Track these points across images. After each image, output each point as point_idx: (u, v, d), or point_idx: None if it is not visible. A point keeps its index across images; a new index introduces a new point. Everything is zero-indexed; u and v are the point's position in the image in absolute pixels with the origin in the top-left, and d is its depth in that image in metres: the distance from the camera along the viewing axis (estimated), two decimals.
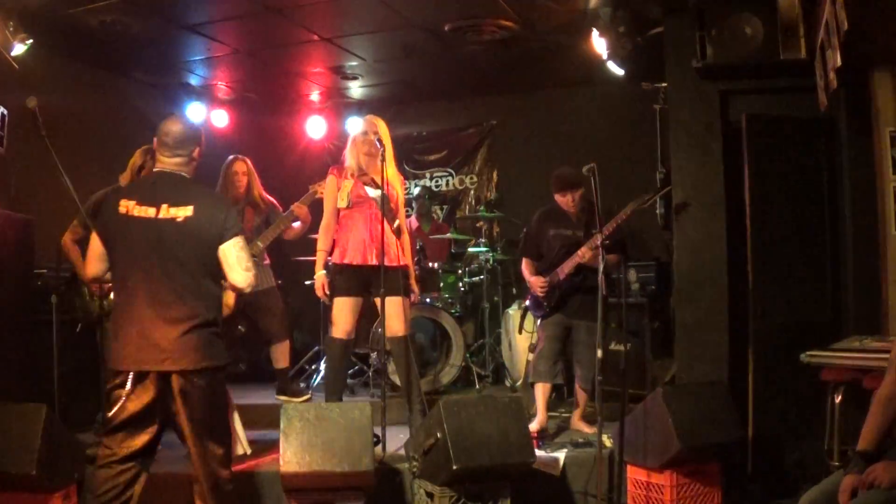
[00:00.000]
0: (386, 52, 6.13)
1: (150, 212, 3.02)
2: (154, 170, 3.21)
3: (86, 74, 6.01)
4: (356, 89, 7.20)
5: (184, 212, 3.02)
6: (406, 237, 4.75)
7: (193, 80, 6.71)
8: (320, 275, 4.59)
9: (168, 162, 3.15)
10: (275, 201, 5.42)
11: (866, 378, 3.21)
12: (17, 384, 4.36)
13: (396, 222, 4.65)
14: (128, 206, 3.03)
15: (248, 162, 5.32)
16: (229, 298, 5.10)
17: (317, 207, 5.01)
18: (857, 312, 4.40)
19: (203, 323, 3.02)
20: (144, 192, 3.10)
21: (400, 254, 4.61)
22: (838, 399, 3.46)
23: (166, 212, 3.02)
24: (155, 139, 3.16)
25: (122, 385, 2.97)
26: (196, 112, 6.98)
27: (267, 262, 5.36)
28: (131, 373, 2.96)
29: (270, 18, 5.25)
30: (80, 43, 5.49)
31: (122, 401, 2.96)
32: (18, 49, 4.64)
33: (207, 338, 3.03)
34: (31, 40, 4.68)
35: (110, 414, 2.99)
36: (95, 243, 3.13)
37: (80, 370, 4.81)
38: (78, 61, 5.87)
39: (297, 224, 5.20)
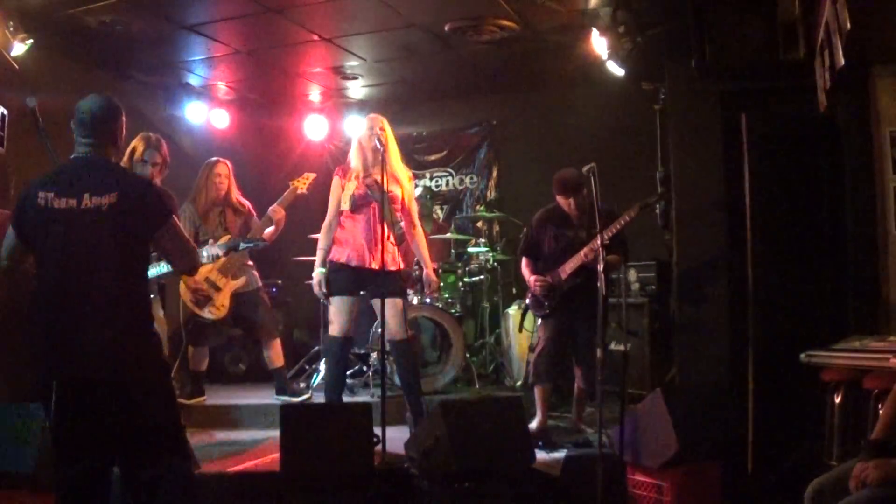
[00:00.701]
0: (386, 52, 6.13)
1: (71, 203, 2.73)
2: (71, 156, 2.93)
3: (86, 74, 6.01)
4: (356, 89, 7.20)
5: (108, 199, 2.73)
6: (419, 232, 4.74)
7: (193, 80, 6.71)
8: (318, 272, 4.60)
9: (86, 143, 2.88)
10: (250, 205, 5.42)
11: (866, 378, 3.21)
12: (18, 384, 4.36)
13: (401, 223, 4.63)
14: (46, 197, 2.76)
15: (229, 165, 5.35)
16: (224, 299, 5.14)
17: (316, 207, 5.02)
18: (857, 312, 4.40)
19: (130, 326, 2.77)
20: (63, 181, 2.81)
21: (400, 256, 4.61)
22: (838, 399, 3.45)
23: (88, 201, 2.73)
24: (71, 121, 2.96)
25: None
26: (196, 112, 6.98)
27: (251, 263, 5.37)
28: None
29: (270, 18, 5.25)
30: (80, 43, 5.49)
31: None
32: (18, 49, 4.64)
33: (135, 343, 2.77)
34: (31, 40, 4.68)
35: None
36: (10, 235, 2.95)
37: None
38: (78, 61, 5.87)
39: (269, 230, 5.07)
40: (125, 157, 4.36)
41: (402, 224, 4.62)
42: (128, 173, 2.97)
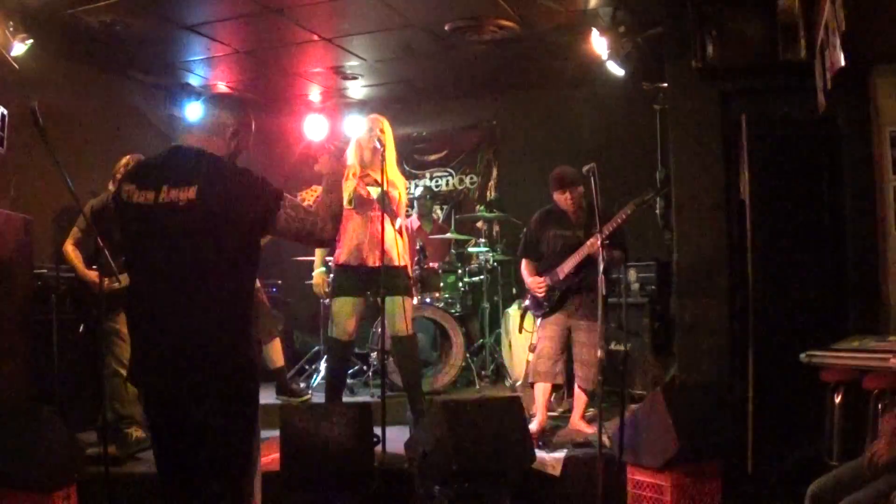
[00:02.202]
0: (386, 52, 6.13)
1: (149, 196, 2.42)
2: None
3: (86, 74, 6.01)
4: (356, 89, 7.20)
5: (186, 194, 2.38)
6: (405, 239, 4.76)
7: (193, 80, 6.71)
8: (318, 272, 4.61)
9: (186, 134, 2.60)
10: None
11: (866, 378, 3.21)
12: (18, 384, 4.36)
13: (399, 222, 4.65)
14: (129, 192, 2.46)
15: None
16: None
17: None
18: (857, 312, 4.39)
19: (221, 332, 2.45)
20: (146, 171, 2.53)
21: (403, 254, 4.62)
22: (838, 399, 3.46)
23: (166, 194, 2.39)
24: None
25: None
26: (196, 112, 6.98)
27: None
28: None
29: (270, 18, 5.25)
30: (80, 43, 5.49)
31: None
32: (18, 49, 4.64)
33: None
34: (31, 40, 4.68)
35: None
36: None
37: (80, 370, 4.81)
38: (78, 61, 5.87)
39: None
40: (111, 179, 4.41)
41: (399, 220, 4.64)
42: (219, 162, 2.48)
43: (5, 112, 4.61)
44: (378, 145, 4.33)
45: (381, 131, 4.50)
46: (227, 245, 2.41)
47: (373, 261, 4.48)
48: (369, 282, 4.53)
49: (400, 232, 4.70)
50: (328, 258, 4.85)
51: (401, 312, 4.51)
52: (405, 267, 4.65)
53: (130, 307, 2.53)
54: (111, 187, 4.39)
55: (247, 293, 2.49)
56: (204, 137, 2.53)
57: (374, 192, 4.53)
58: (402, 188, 4.73)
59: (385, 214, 4.40)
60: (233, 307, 2.44)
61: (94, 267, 4.25)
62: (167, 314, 2.39)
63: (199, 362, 2.38)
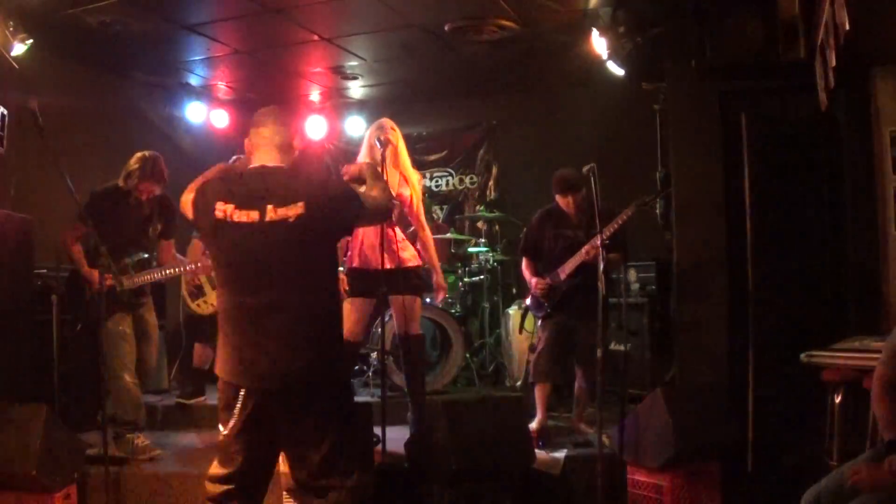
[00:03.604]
0: (386, 52, 6.13)
1: (252, 216, 2.62)
2: (250, 167, 2.81)
3: (86, 74, 6.02)
4: (356, 89, 7.21)
5: (294, 210, 2.60)
6: (428, 235, 4.71)
7: (193, 80, 6.71)
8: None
9: (266, 153, 2.77)
10: None
11: (866, 378, 3.21)
12: (17, 384, 4.36)
13: (411, 227, 4.62)
14: (226, 210, 2.64)
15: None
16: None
17: None
18: (857, 312, 4.40)
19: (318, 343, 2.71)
20: (242, 191, 2.68)
21: (415, 255, 4.59)
22: (838, 399, 3.46)
23: (273, 213, 2.61)
24: (249, 133, 2.84)
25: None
26: (196, 112, 6.98)
27: None
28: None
29: (270, 18, 5.26)
30: (80, 43, 5.49)
31: None
32: (18, 49, 4.64)
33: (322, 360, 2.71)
34: (31, 40, 4.68)
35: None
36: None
37: (80, 370, 4.81)
38: (78, 61, 5.88)
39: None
40: (122, 175, 4.37)
41: (413, 227, 4.61)
42: (312, 179, 2.75)
43: (5, 112, 4.61)
44: (378, 145, 4.32)
45: (387, 133, 4.47)
46: (329, 251, 2.78)
47: (384, 263, 4.46)
48: (378, 284, 4.50)
49: (423, 229, 4.65)
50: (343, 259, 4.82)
51: (408, 311, 4.49)
52: (417, 267, 4.61)
53: (234, 319, 2.67)
54: (122, 184, 4.35)
55: (337, 292, 2.87)
56: (279, 156, 2.78)
57: None
58: (415, 186, 4.67)
59: (396, 222, 4.39)
60: (334, 305, 2.81)
61: (93, 266, 4.22)
62: (279, 322, 2.61)
63: (317, 362, 2.66)
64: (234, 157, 4.11)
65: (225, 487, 2.71)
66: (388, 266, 4.38)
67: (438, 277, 4.72)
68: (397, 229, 4.41)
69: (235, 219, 2.61)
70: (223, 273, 2.71)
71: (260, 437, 2.68)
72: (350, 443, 2.77)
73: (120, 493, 3.95)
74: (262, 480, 2.81)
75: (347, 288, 4.56)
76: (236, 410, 2.62)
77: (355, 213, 2.73)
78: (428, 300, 5.80)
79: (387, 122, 4.56)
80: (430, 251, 4.67)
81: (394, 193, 4.52)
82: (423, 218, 4.71)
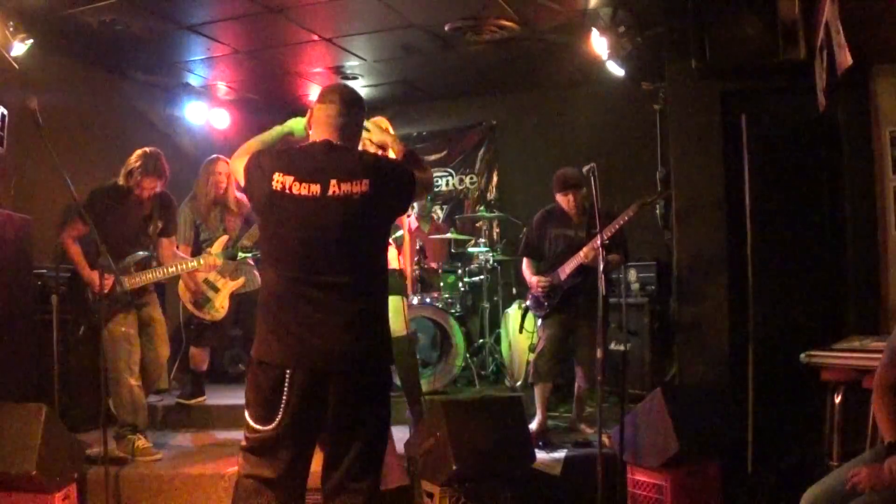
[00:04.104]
0: (386, 52, 6.13)
1: (314, 189, 2.51)
2: (311, 141, 2.70)
3: (86, 74, 6.01)
4: (356, 89, 7.19)
5: (359, 187, 2.51)
6: (405, 242, 4.74)
7: (193, 80, 6.71)
8: None
9: (331, 128, 2.64)
10: (246, 200, 5.39)
11: (866, 378, 3.21)
12: (17, 384, 4.36)
13: (399, 232, 4.64)
14: (284, 182, 2.52)
15: (228, 163, 5.32)
16: (223, 300, 5.12)
17: None
18: (857, 312, 4.40)
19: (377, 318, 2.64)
20: (303, 164, 2.57)
21: (395, 258, 4.62)
22: (838, 399, 3.46)
23: (336, 188, 2.50)
24: (314, 107, 2.70)
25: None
26: (196, 112, 6.98)
27: (251, 263, 5.33)
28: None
29: (270, 18, 5.25)
30: (80, 43, 5.49)
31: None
32: (18, 49, 4.64)
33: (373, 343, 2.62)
34: (31, 40, 4.67)
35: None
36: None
37: (80, 370, 4.81)
38: (78, 61, 5.87)
39: None
40: (123, 173, 4.35)
41: (400, 232, 4.63)
42: (378, 157, 2.72)
43: (5, 112, 4.61)
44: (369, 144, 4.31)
45: (376, 129, 4.47)
46: (386, 232, 2.76)
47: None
48: None
49: (410, 233, 4.68)
50: None
51: (396, 312, 4.50)
52: (400, 269, 4.65)
53: (280, 292, 2.54)
54: (122, 182, 4.34)
55: (388, 280, 2.77)
56: (349, 136, 2.68)
57: None
58: None
59: None
60: (385, 288, 2.72)
61: (93, 267, 4.21)
62: (336, 301, 2.51)
63: (372, 345, 2.58)
64: None
65: (267, 496, 2.51)
66: None
67: (407, 281, 4.75)
68: None
69: (295, 191, 2.49)
70: (275, 248, 2.57)
71: (308, 428, 2.54)
72: (382, 439, 2.68)
73: (120, 493, 3.95)
74: (304, 484, 2.62)
75: None
76: (284, 395, 2.45)
77: (413, 192, 2.69)
78: (427, 300, 5.81)
79: (376, 123, 4.56)
80: (405, 255, 4.72)
81: None
82: (403, 222, 4.74)
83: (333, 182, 2.49)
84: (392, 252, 4.57)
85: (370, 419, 2.60)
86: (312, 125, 2.71)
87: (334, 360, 2.49)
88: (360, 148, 2.81)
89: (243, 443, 2.59)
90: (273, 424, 2.48)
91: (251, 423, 2.53)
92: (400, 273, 4.64)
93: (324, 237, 2.50)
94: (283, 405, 2.47)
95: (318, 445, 2.70)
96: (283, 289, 2.53)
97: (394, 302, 4.49)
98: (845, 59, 3.27)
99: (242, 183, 2.67)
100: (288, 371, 2.46)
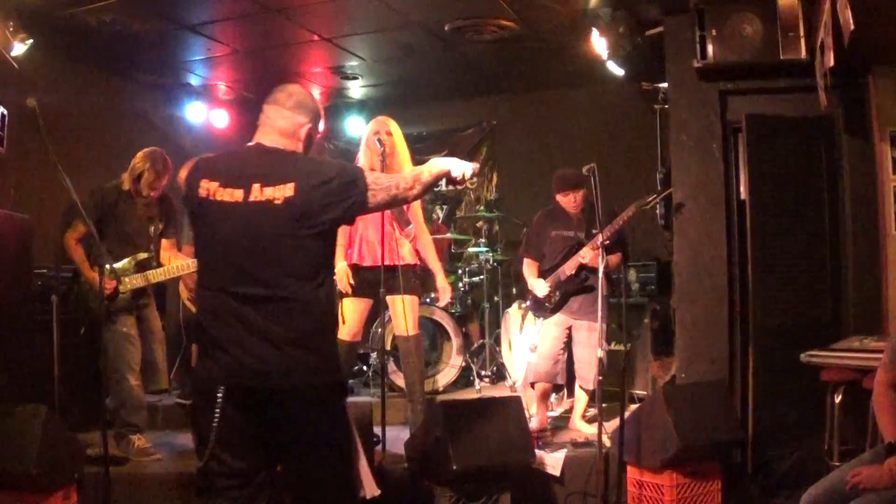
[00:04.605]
0: (386, 52, 6.13)
1: (236, 195, 2.35)
2: (247, 144, 2.55)
3: (86, 74, 6.01)
4: (356, 89, 7.20)
5: (282, 192, 2.32)
6: (426, 237, 4.71)
7: (193, 80, 6.71)
8: (341, 266, 4.49)
9: (267, 131, 2.49)
10: None
11: (866, 378, 3.21)
12: (17, 384, 4.36)
13: (410, 225, 4.61)
14: (209, 188, 2.38)
15: None
16: None
17: None
18: (857, 312, 4.40)
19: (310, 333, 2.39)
20: (229, 169, 2.41)
21: (412, 253, 4.59)
22: (838, 399, 3.46)
23: (259, 193, 2.33)
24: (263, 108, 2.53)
25: None
26: (196, 112, 6.98)
27: None
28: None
29: (270, 18, 5.25)
30: (80, 43, 5.49)
31: None
32: (18, 49, 4.64)
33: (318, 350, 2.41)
34: (31, 40, 4.67)
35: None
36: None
37: (80, 370, 4.81)
38: (78, 61, 5.87)
39: None
40: (127, 176, 4.35)
41: (412, 225, 4.60)
42: (308, 160, 2.47)
43: (5, 112, 4.61)
44: (378, 146, 4.32)
45: (388, 133, 4.47)
46: (324, 241, 2.42)
47: (382, 260, 4.46)
48: (378, 281, 4.50)
49: (420, 230, 4.65)
50: None
51: (407, 312, 4.50)
52: (414, 266, 4.62)
53: (209, 307, 2.39)
54: (128, 185, 4.34)
55: (334, 290, 2.49)
56: (283, 138, 2.49)
57: None
58: None
59: (393, 212, 4.39)
60: (327, 303, 2.44)
61: (94, 267, 4.22)
62: (265, 315, 2.31)
63: (303, 366, 2.34)
64: None
65: None
66: (386, 263, 4.39)
67: (441, 279, 4.71)
68: (395, 225, 4.41)
69: (218, 197, 2.34)
70: (204, 259, 2.42)
71: (251, 457, 2.36)
72: (344, 463, 2.47)
73: (120, 493, 3.94)
74: None
75: (352, 283, 4.54)
76: (216, 415, 2.26)
77: (355, 200, 2.40)
78: (427, 300, 5.80)
79: (384, 120, 4.55)
80: (430, 252, 4.67)
81: None
82: (421, 219, 4.71)
83: (256, 186, 2.32)
84: (407, 248, 4.55)
85: (322, 445, 2.39)
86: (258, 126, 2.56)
87: (263, 377, 2.29)
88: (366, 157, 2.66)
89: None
90: (206, 453, 2.32)
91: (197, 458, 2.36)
92: (413, 271, 4.61)
93: (249, 247, 2.33)
94: (214, 430, 2.29)
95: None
96: (214, 303, 2.37)
97: (406, 302, 4.48)
98: (829, 59, 3.28)
99: (183, 192, 2.53)
100: (220, 391, 2.28)
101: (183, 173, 2.56)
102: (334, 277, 2.49)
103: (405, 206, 4.50)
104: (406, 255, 4.49)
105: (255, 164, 2.39)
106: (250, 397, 2.32)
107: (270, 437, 2.36)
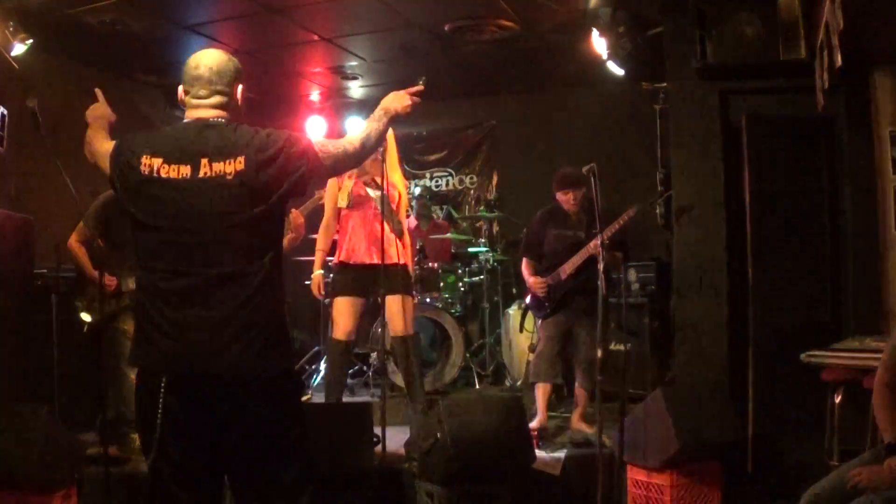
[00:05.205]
0: (386, 52, 6.13)
1: (184, 171, 2.21)
2: (184, 120, 2.38)
3: (86, 74, 6.01)
4: (356, 89, 7.21)
5: (232, 166, 2.21)
6: (406, 238, 4.76)
7: None
8: (317, 274, 4.61)
9: (203, 104, 2.34)
10: None
11: (866, 378, 3.21)
12: (17, 384, 4.36)
13: (400, 221, 4.64)
14: (152, 165, 2.22)
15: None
16: None
17: (315, 208, 5.01)
18: (857, 312, 4.40)
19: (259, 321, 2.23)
20: (172, 144, 2.26)
21: (402, 253, 4.62)
22: (838, 399, 3.46)
23: (207, 168, 2.20)
24: (181, 84, 2.39)
25: None
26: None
27: None
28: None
29: (270, 18, 5.26)
30: (80, 43, 5.49)
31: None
32: (18, 49, 4.64)
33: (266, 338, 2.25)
34: (31, 40, 4.68)
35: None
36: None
37: (80, 370, 4.81)
38: (78, 61, 5.87)
39: (288, 236, 4.81)
40: None
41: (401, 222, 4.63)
42: (256, 131, 2.31)
43: (5, 112, 4.61)
44: None
45: None
46: (276, 218, 2.32)
47: (371, 258, 4.49)
48: (369, 281, 4.53)
49: (402, 231, 4.68)
50: (329, 259, 4.84)
51: (400, 311, 4.51)
52: (405, 265, 4.65)
53: (150, 288, 2.23)
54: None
55: (281, 271, 2.33)
56: (219, 110, 2.36)
57: (372, 192, 4.53)
58: (402, 188, 4.73)
59: (384, 211, 4.40)
60: (277, 284, 2.29)
61: (97, 267, 4.23)
62: (213, 299, 2.17)
63: (253, 354, 2.19)
64: None
65: None
66: (376, 262, 4.41)
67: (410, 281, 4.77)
68: (385, 224, 4.42)
69: (163, 174, 2.19)
70: (145, 241, 2.24)
71: (199, 454, 2.19)
72: (301, 460, 2.30)
73: (120, 493, 3.94)
74: None
75: (329, 290, 4.58)
76: (159, 410, 2.11)
77: (307, 168, 2.29)
78: (428, 300, 5.81)
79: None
80: (408, 252, 4.74)
81: (391, 192, 4.54)
82: (403, 220, 4.74)
83: (205, 161, 2.19)
84: (397, 247, 4.56)
85: (276, 438, 2.22)
86: (183, 104, 2.39)
87: (215, 362, 2.14)
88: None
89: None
90: (152, 448, 2.15)
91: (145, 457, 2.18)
92: (404, 270, 4.62)
93: (198, 224, 2.19)
94: (159, 421, 2.13)
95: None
96: (157, 287, 2.21)
97: (398, 302, 4.49)
98: (836, 59, 3.28)
99: (107, 170, 2.34)
100: (163, 379, 2.13)
101: (105, 147, 2.38)
102: (281, 258, 2.34)
103: (392, 202, 4.52)
104: (394, 254, 4.50)
105: (199, 140, 2.25)
106: (194, 385, 2.16)
107: (218, 431, 2.18)
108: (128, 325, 4.35)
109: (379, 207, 4.40)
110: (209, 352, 2.15)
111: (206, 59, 2.39)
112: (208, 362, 2.15)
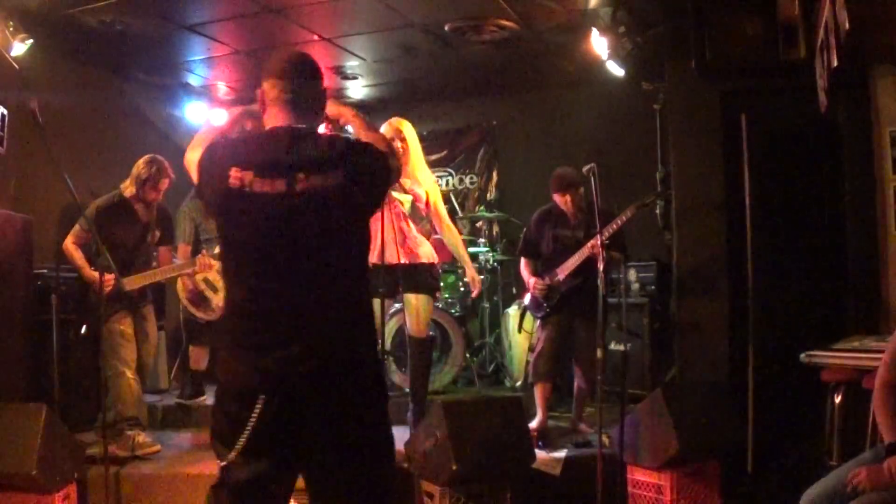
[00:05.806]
0: (386, 52, 6.13)
1: (278, 185, 2.10)
2: (269, 127, 2.26)
3: (86, 74, 6.01)
4: (356, 89, 7.20)
5: (331, 179, 2.12)
6: (454, 232, 4.68)
7: (193, 80, 6.71)
8: None
9: (285, 112, 2.24)
10: None
11: (866, 378, 3.21)
12: (17, 384, 4.37)
13: (426, 220, 4.59)
14: (243, 179, 2.11)
15: None
16: (221, 300, 5.12)
17: None
18: (857, 312, 4.40)
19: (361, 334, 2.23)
20: (264, 156, 2.15)
21: (430, 252, 4.56)
22: (838, 399, 3.46)
23: (304, 183, 2.11)
24: (263, 85, 2.29)
25: None
26: (196, 112, 6.98)
27: None
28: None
29: (270, 18, 5.25)
30: (80, 43, 5.49)
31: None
32: (18, 49, 4.64)
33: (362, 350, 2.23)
34: (31, 40, 4.68)
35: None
36: None
37: (80, 370, 4.82)
38: (78, 61, 5.87)
39: None
40: (130, 182, 4.42)
41: (428, 222, 4.59)
42: (351, 143, 2.26)
43: (5, 112, 4.61)
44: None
45: (402, 139, 4.46)
46: (365, 228, 2.27)
47: (402, 257, 4.45)
48: (397, 280, 4.49)
49: (443, 229, 4.62)
50: None
51: (417, 311, 4.48)
52: (432, 265, 4.59)
53: (253, 312, 2.15)
54: (132, 189, 4.41)
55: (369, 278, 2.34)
56: (311, 117, 2.31)
57: (395, 193, 4.46)
58: (430, 185, 4.64)
59: (407, 211, 4.39)
60: (368, 293, 2.31)
61: (93, 268, 4.25)
62: (315, 312, 2.12)
63: (356, 361, 2.17)
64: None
65: None
66: (403, 261, 4.38)
67: (471, 273, 4.70)
68: (411, 224, 4.40)
69: (256, 189, 2.09)
70: (237, 256, 2.19)
71: (284, 465, 2.14)
72: (390, 467, 2.27)
73: (120, 492, 3.95)
74: None
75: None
76: (250, 423, 2.04)
77: (389, 183, 2.31)
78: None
79: (397, 124, 4.54)
80: (458, 248, 4.67)
81: (417, 191, 4.52)
82: (443, 215, 4.65)
83: (301, 176, 2.10)
84: (427, 247, 4.53)
85: (371, 442, 2.18)
86: (266, 107, 2.30)
87: (315, 376, 2.09)
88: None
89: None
90: (233, 453, 2.09)
91: (218, 458, 2.14)
92: (431, 271, 4.58)
93: (293, 241, 2.12)
94: (246, 436, 2.06)
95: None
96: (253, 303, 2.15)
97: (421, 301, 4.47)
98: (832, 59, 3.28)
99: (195, 179, 2.26)
100: (260, 398, 2.06)
101: (194, 155, 2.26)
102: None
103: (423, 206, 4.49)
104: (423, 254, 4.47)
105: (295, 150, 2.15)
106: (292, 401, 2.09)
107: (310, 435, 2.12)
108: (123, 325, 4.39)
109: (402, 207, 4.38)
110: (304, 370, 2.08)
111: (299, 56, 2.41)
112: (304, 380, 2.08)
